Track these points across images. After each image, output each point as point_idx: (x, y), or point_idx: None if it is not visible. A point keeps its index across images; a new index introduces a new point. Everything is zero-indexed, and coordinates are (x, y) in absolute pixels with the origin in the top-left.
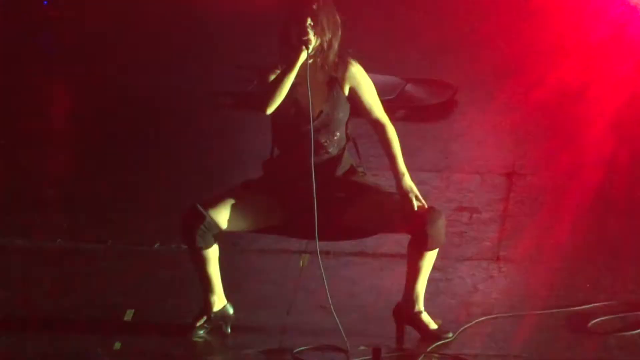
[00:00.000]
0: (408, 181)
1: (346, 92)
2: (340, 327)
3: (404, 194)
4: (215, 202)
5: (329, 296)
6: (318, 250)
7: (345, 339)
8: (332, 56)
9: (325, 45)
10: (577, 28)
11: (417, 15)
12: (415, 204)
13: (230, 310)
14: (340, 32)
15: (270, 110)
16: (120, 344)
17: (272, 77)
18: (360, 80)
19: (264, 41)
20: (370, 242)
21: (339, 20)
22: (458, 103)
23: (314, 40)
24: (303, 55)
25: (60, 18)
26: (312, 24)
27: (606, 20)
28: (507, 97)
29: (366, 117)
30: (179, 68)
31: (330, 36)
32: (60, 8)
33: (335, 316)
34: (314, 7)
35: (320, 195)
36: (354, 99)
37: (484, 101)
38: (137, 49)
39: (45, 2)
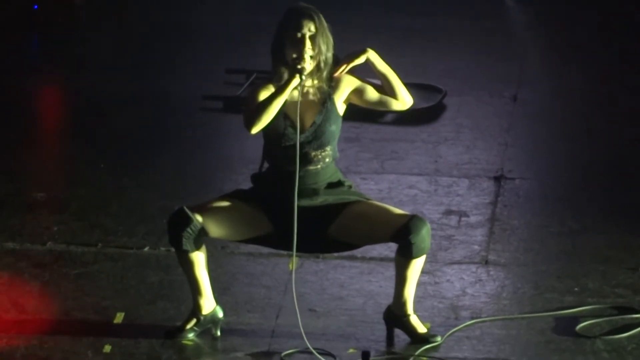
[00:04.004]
0: (373, 55)
1: (340, 103)
2: (302, 332)
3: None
4: (204, 207)
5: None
6: (294, 259)
7: (307, 342)
8: (326, 73)
9: (322, 64)
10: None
11: (407, 20)
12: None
13: (220, 314)
14: (333, 48)
15: (255, 130)
16: (110, 346)
17: (264, 94)
18: (354, 83)
19: (254, 45)
20: None
21: (332, 37)
22: (447, 107)
23: (309, 67)
24: (296, 81)
25: (49, 22)
26: (309, 48)
27: None
28: (495, 101)
29: (382, 97)
30: (169, 72)
31: (325, 55)
32: (50, 12)
33: (300, 321)
34: (312, 30)
35: (306, 209)
36: (361, 99)
37: (473, 105)
38: (126, 52)
39: (35, 7)
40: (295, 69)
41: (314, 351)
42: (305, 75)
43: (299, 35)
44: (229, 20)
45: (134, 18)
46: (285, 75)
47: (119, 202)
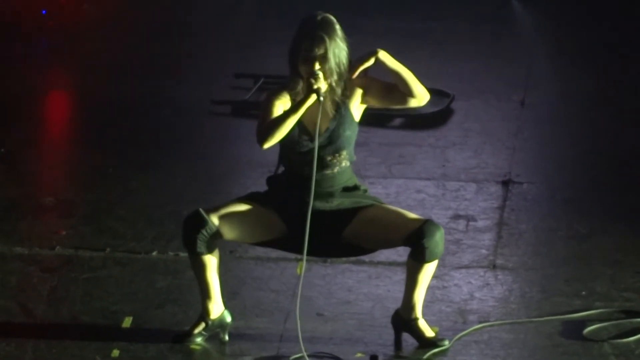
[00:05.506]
0: (383, 55)
1: (355, 108)
2: (300, 336)
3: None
4: (219, 210)
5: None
6: (304, 263)
7: (302, 345)
8: (341, 88)
9: (334, 83)
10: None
11: (413, 24)
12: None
13: (228, 318)
14: (348, 61)
15: (267, 146)
16: (118, 351)
17: (278, 105)
18: (368, 86)
19: (262, 49)
20: None
21: (347, 50)
22: (454, 111)
23: (324, 86)
24: (312, 101)
25: (58, 27)
26: (318, 69)
27: None
28: (503, 105)
29: (398, 95)
30: (177, 76)
31: (338, 73)
32: (58, 17)
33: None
34: (321, 51)
35: (321, 212)
36: (377, 99)
37: (480, 109)
38: (134, 56)
39: (44, 11)
40: (311, 90)
41: (306, 357)
42: (324, 95)
43: (311, 58)
44: (238, 24)
45: (142, 22)
46: (299, 89)
47: (127, 206)
